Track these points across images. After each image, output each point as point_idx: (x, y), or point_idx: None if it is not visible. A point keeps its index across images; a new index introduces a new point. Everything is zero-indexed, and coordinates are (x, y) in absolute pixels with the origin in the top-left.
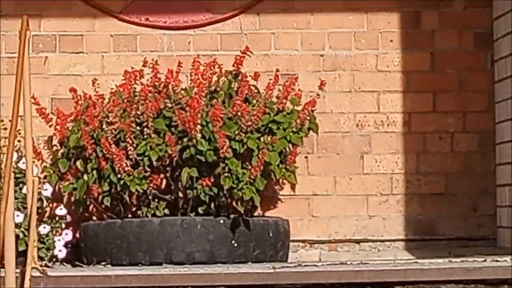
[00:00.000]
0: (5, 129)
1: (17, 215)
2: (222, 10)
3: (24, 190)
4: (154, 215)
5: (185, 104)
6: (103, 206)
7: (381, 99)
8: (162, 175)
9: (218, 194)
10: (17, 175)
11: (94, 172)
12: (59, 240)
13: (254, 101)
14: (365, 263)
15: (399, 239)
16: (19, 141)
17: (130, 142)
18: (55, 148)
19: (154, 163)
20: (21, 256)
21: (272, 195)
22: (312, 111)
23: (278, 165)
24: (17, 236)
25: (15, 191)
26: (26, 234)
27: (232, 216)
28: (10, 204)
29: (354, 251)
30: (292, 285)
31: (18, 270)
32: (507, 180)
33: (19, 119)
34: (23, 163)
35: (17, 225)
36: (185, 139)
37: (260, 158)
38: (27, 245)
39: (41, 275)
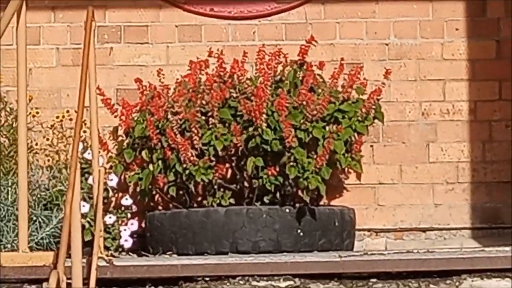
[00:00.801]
0: (71, 119)
1: (83, 205)
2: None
3: (89, 181)
4: (219, 204)
5: (250, 94)
6: (168, 196)
7: (446, 87)
8: (227, 165)
9: (284, 184)
10: (83, 166)
11: (160, 162)
12: (124, 230)
13: (319, 90)
14: (432, 252)
15: (465, 228)
16: (84, 131)
17: (196, 132)
18: (120, 138)
19: (220, 152)
20: (87, 246)
21: (337, 184)
22: (378, 100)
23: (343, 154)
24: (83, 226)
25: (81, 182)
26: (92, 224)
27: (297, 205)
28: (76, 194)
29: (420, 239)
30: (359, 273)
31: (84, 260)
32: None
33: (85, 110)
34: (89, 153)
35: (83, 215)
36: (251, 129)
37: (325, 147)
38: (93, 235)
39: (108, 264)
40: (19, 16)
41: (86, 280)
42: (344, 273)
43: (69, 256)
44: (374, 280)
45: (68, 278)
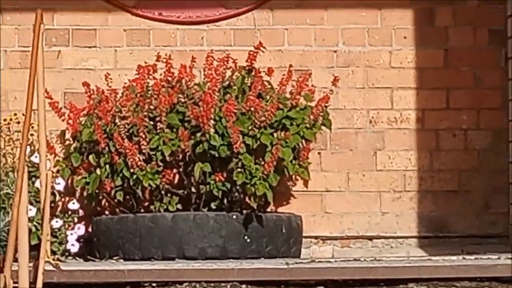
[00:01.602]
0: (18, 122)
1: (30, 209)
2: (235, 5)
3: (36, 184)
4: (166, 210)
5: (198, 99)
6: (115, 200)
7: (394, 95)
8: (175, 170)
9: (231, 190)
10: (30, 169)
11: (107, 166)
12: (71, 234)
13: (268, 97)
14: (379, 260)
15: (412, 236)
16: (31, 135)
17: (143, 136)
18: (67, 142)
19: (167, 158)
20: (33, 250)
21: (285, 191)
22: (326, 107)
23: (291, 161)
24: (29, 230)
25: (28, 185)
26: (39, 228)
27: (245, 211)
28: (23, 198)
29: (367, 247)
30: (306, 281)
31: (31, 264)
32: None
33: (32, 113)
34: (36, 157)
35: (30, 219)
36: (198, 134)
37: (273, 154)
38: (39, 239)
39: (54, 269)
40: None
41: (32, 284)
42: (291, 280)
43: (16, 260)
44: (321, 287)
45: (14, 282)
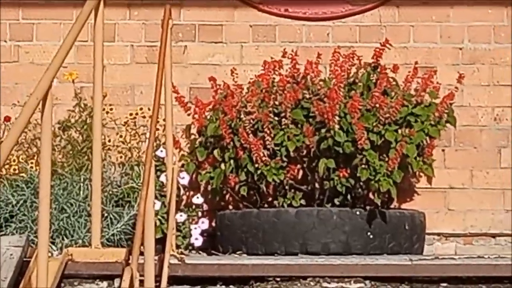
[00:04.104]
0: (144, 117)
1: (155, 203)
2: (361, 2)
3: (161, 178)
4: (290, 205)
5: (323, 95)
6: (239, 195)
7: None
8: (299, 166)
9: (355, 186)
10: (155, 163)
11: (232, 161)
12: (195, 228)
13: (393, 94)
14: (503, 257)
15: None
16: (157, 129)
17: (268, 132)
18: (193, 137)
19: (291, 153)
20: (157, 244)
21: (408, 188)
22: (450, 104)
23: (415, 158)
24: (154, 224)
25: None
26: (163, 222)
27: (368, 207)
28: (150, 191)
29: (490, 245)
30: (429, 277)
31: (156, 258)
32: None
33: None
34: (161, 151)
35: (155, 213)
36: (323, 130)
37: (398, 150)
38: (163, 233)
39: (179, 262)
40: (96, 13)
41: (157, 278)
42: (414, 277)
43: (141, 253)
44: (444, 284)
45: (140, 275)
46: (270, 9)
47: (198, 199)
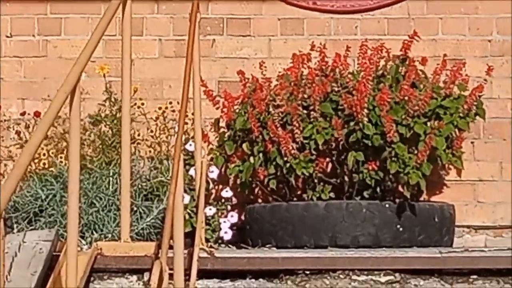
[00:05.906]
0: (173, 111)
1: (184, 197)
2: None
3: (190, 172)
4: (319, 198)
5: (352, 88)
6: (268, 188)
7: None
8: (328, 159)
9: (384, 179)
10: (184, 157)
11: (260, 155)
12: (224, 222)
13: (421, 86)
14: None
15: None
16: (186, 123)
17: (297, 125)
18: (221, 130)
19: (320, 146)
20: (186, 237)
21: (437, 180)
22: (479, 96)
23: (444, 150)
24: (183, 218)
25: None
26: (192, 215)
27: (397, 200)
28: (179, 185)
29: None
30: (459, 270)
31: (185, 251)
32: None
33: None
34: (190, 145)
35: (184, 207)
36: (352, 123)
37: (427, 143)
38: (192, 226)
39: (209, 256)
40: (124, 7)
41: (187, 271)
42: (444, 269)
43: (171, 247)
44: (474, 276)
45: (170, 269)
46: (298, 2)
47: (227, 193)
